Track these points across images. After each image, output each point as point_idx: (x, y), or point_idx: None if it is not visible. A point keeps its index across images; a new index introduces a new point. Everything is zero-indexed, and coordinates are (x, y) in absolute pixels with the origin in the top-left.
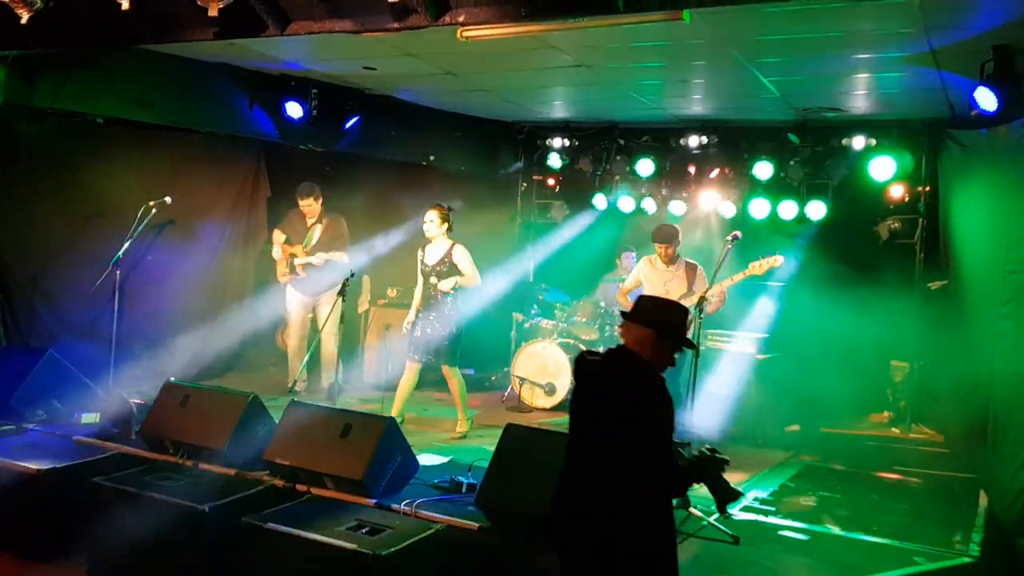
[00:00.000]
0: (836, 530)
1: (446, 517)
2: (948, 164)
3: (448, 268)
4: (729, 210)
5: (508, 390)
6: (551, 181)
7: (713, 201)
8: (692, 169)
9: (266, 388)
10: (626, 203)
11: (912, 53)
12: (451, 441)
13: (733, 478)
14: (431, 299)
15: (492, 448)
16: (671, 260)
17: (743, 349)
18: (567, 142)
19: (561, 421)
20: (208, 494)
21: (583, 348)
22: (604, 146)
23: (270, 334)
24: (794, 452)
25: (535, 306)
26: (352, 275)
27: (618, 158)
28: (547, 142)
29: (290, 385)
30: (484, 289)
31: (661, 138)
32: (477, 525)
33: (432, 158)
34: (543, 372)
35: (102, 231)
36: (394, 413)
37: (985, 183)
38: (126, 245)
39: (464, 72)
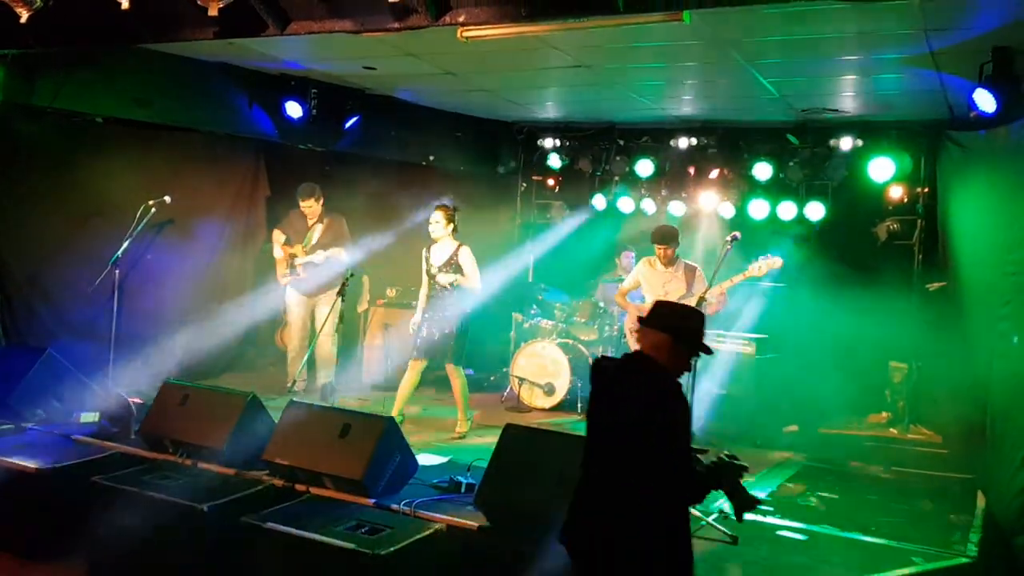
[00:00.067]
0: (834, 530)
1: (445, 517)
2: (947, 165)
3: (454, 269)
4: (728, 211)
5: (507, 390)
6: (550, 181)
7: (712, 202)
8: (691, 170)
9: (265, 388)
10: (625, 203)
11: (911, 54)
12: (450, 441)
13: None
14: (437, 299)
15: (491, 448)
16: (670, 261)
17: (742, 350)
18: (567, 142)
19: (560, 421)
20: (207, 494)
21: (582, 348)
22: (603, 146)
23: (269, 334)
24: (793, 452)
25: (534, 306)
26: (352, 275)
27: (617, 158)
28: (547, 142)
29: (289, 385)
30: (484, 289)
31: (660, 139)
32: (476, 525)
33: (432, 158)
34: (542, 372)
35: (101, 230)
36: (395, 412)
37: (984, 184)
38: (125, 244)
39: (464, 72)
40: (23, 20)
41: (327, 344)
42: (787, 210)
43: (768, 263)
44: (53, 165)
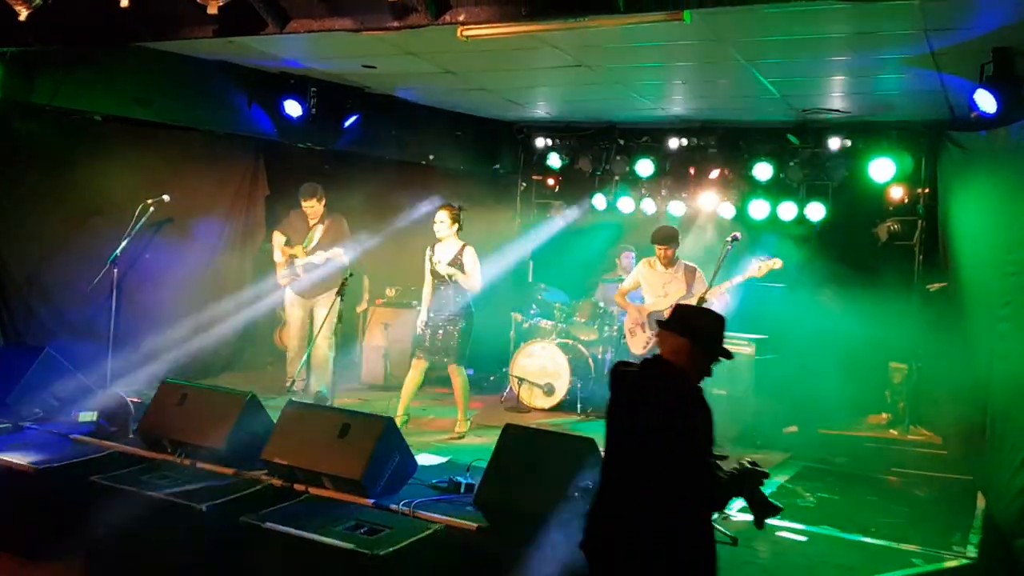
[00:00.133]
0: (834, 531)
1: (444, 517)
2: (948, 166)
3: (458, 269)
4: (728, 211)
5: (507, 390)
6: (550, 181)
7: (713, 202)
8: (692, 170)
9: (264, 387)
10: (625, 203)
11: (912, 55)
12: (450, 441)
13: None
14: (440, 298)
15: (490, 448)
16: (670, 262)
17: (741, 350)
18: (567, 142)
19: (560, 421)
20: (206, 493)
21: (582, 348)
22: (604, 146)
23: (268, 333)
24: (792, 453)
25: (534, 306)
26: (351, 274)
27: (618, 158)
28: (547, 142)
29: (288, 384)
30: (484, 289)
31: (661, 138)
32: (475, 525)
33: (431, 157)
34: (542, 372)
35: (100, 229)
36: (400, 411)
37: (985, 185)
38: (124, 243)
39: (464, 71)
40: (22, 18)
41: (324, 347)
42: (787, 210)
43: (768, 264)
44: (52, 164)
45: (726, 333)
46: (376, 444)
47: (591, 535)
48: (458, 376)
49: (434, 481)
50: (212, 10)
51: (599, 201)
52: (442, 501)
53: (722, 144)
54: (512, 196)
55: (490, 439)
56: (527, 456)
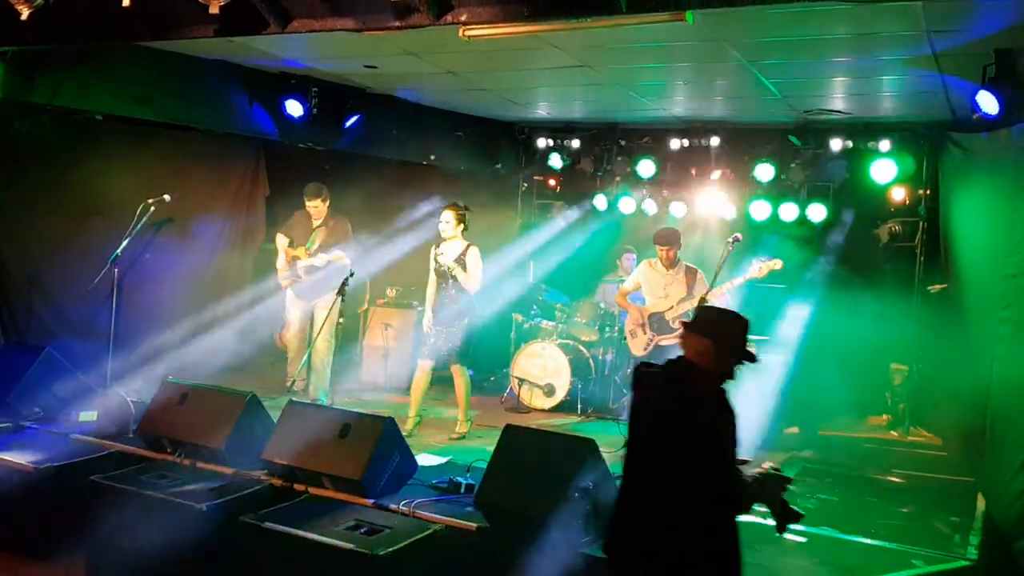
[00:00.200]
0: (835, 532)
1: (444, 517)
2: (949, 167)
3: (461, 268)
4: (730, 212)
5: (507, 391)
6: (551, 181)
7: (714, 203)
8: (693, 170)
9: (264, 387)
10: (627, 204)
11: (914, 56)
12: (450, 441)
13: None
14: (446, 298)
15: (491, 449)
16: (671, 263)
17: None
18: (568, 142)
19: (560, 422)
20: (206, 493)
21: (583, 349)
22: (605, 147)
23: (268, 333)
24: (793, 454)
25: (535, 307)
26: (352, 275)
27: (619, 159)
28: (548, 142)
29: (288, 384)
30: (483, 289)
31: (662, 139)
32: (475, 526)
33: (432, 157)
34: (543, 373)
35: (100, 229)
36: (411, 413)
37: (986, 186)
38: (124, 243)
39: (465, 71)
40: (24, 17)
41: (323, 350)
42: (789, 211)
43: (768, 265)
44: (52, 163)
45: (750, 336)
46: (376, 444)
47: (614, 537)
48: (461, 376)
49: (434, 481)
50: (214, 9)
51: (600, 202)
52: (442, 501)
53: (724, 145)
54: (513, 196)
55: (490, 440)
56: (527, 457)
